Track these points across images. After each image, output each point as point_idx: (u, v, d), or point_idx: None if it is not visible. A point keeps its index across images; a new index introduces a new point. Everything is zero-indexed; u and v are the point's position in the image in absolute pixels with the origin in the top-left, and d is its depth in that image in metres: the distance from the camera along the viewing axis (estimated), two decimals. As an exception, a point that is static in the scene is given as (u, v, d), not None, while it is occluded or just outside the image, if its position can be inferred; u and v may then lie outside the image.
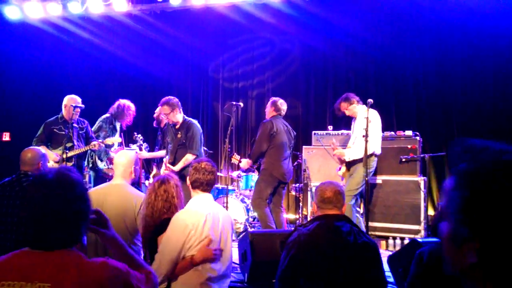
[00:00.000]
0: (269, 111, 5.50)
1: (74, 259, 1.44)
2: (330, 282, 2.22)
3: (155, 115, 6.10)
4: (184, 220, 2.57)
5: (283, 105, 5.49)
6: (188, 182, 2.83)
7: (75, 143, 5.18)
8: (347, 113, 5.31)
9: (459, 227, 0.89)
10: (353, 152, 5.06)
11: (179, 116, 5.11)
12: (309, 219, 6.09)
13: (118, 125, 5.83)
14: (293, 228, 2.70)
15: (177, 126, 5.15)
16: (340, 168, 5.39)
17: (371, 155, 4.96)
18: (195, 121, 5.25)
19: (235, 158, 5.52)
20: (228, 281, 2.79)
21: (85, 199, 1.52)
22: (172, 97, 5.13)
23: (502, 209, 0.83)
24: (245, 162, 5.38)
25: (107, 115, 5.77)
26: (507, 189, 0.84)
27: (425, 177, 5.74)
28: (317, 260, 2.26)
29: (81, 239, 1.51)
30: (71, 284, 1.36)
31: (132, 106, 5.83)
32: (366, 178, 4.60)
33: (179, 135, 5.11)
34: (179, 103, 5.15)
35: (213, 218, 2.65)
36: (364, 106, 5.06)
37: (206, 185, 2.78)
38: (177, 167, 4.92)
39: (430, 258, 2.02)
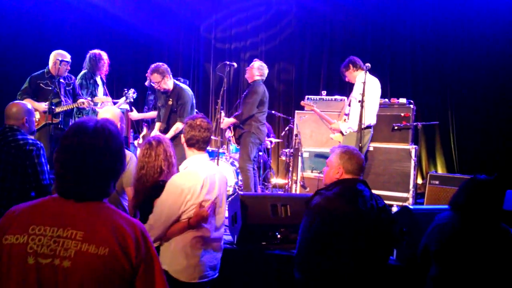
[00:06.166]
0: (253, 73, 5.41)
1: (108, 211, 1.41)
2: (357, 245, 2.25)
3: (147, 74, 5.90)
4: (181, 184, 2.46)
5: (265, 69, 5.50)
6: (182, 140, 2.70)
7: (62, 99, 5.01)
8: (346, 79, 5.23)
9: None
10: (349, 125, 4.99)
11: (169, 83, 4.95)
12: (299, 184, 6.09)
13: (98, 79, 5.57)
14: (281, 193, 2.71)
15: (168, 93, 5.02)
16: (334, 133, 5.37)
17: (366, 127, 4.82)
18: (186, 87, 5.11)
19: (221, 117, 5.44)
20: (222, 243, 2.76)
21: (122, 155, 1.45)
22: (160, 64, 4.95)
23: None
24: (226, 122, 5.39)
25: (84, 71, 5.51)
26: None
27: (416, 146, 5.73)
28: (346, 224, 2.25)
29: (110, 193, 1.45)
30: (104, 235, 1.33)
31: (104, 54, 5.55)
32: (360, 144, 4.55)
33: (170, 102, 4.97)
34: (168, 69, 4.96)
35: (210, 181, 2.55)
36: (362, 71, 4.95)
37: (202, 143, 2.63)
38: (168, 135, 4.78)
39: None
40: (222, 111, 5.47)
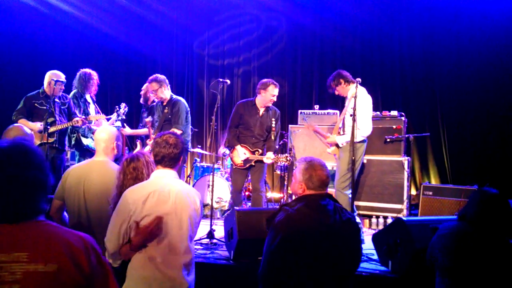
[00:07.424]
0: None
1: (51, 227, 1.39)
2: (320, 260, 2.25)
3: (141, 92, 5.97)
4: (128, 197, 2.37)
5: None
6: (152, 158, 2.62)
7: (57, 118, 5.04)
8: (336, 92, 5.19)
9: None
10: (346, 138, 4.98)
11: (166, 93, 5.19)
12: (294, 197, 6.09)
13: (88, 97, 5.59)
14: (277, 207, 2.66)
15: (165, 103, 5.23)
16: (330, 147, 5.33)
17: (361, 141, 4.80)
18: (182, 99, 5.31)
19: (258, 155, 5.03)
20: (187, 270, 2.43)
21: (43, 168, 1.41)
22: (159, 75, 5.20)
23: None
24: (270, 155, 5.02)
25: (74, 90, 5.55)
26: None
27: (408, 157, 5.80)
28: (307, 240, 2.26)
29: (43, 210, 1.41)
30: (51, 251, 1.31)
31: (94, 74, 5.58)
32: (353, 157, 4.56)
33: (165, 111, 5.19)
34: (167, 80, 5.21)
35: (159, 197, 2.36)
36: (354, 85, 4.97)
37: (169, 160, 2.48)
38: None
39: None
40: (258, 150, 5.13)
